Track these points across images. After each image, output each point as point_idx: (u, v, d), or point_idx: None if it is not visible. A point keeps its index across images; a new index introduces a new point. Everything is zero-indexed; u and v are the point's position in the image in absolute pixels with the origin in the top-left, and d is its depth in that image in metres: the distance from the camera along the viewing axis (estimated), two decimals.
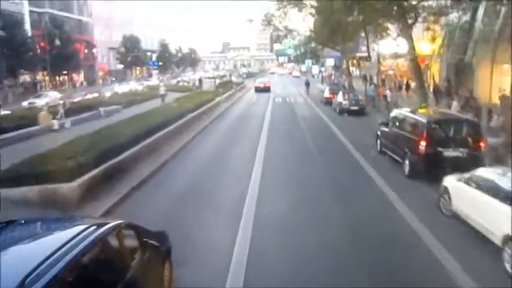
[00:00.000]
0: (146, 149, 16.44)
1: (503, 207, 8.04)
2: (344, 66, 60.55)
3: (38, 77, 60.31)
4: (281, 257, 8.72)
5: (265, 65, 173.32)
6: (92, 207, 10.68)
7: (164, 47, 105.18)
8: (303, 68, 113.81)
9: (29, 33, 53.53)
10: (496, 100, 26.10)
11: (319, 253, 8.74)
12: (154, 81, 67.65)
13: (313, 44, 76.06)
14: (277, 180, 14.35)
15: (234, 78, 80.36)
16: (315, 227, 10.08)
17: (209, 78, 77.08)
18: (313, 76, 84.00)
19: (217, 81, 65.08)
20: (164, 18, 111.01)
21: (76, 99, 34.79)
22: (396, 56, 46.06)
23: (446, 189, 10.47)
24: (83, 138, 15.60)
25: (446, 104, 30.78)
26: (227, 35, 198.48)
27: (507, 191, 8.27)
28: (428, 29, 32.05)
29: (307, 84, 54.19)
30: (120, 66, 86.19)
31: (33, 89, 55.24)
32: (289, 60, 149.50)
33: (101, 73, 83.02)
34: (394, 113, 16.74)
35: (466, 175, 9.94)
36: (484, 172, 9.43)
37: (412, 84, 43.90)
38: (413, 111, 15.36)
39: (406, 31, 26.69)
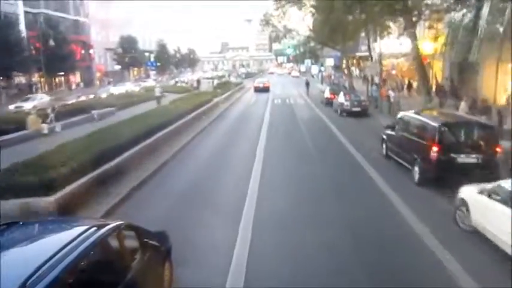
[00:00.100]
0: (137, 156, 15.43)
1: None
2: (344, 66, 59.88)
3: (33, 79, 59.36)
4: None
5: (264, 65, 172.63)
6: None
7: (162, 47, 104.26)
8: (302, 68, 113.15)
9: (24, 34, 52.50)
10: (502, 101, 25.13)
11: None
12: (150, 82, 66.50)
13: (312, 44, 75.26)
14: (277, 190, 13.30)
15: (232, 79, 79.47)
16: (318, 247, 9.02)
17: (207, 78, 76.01)
18: (312, 76, 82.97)
19: (216, 81, 64.22)
20: (163, 18, 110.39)
21: (69, 102, 33.80)
22: (397, 55, 45.39)
23: (464, 202, 9.49)
24: (71, 143, 14.69)
25: (451, 104, 29.96)
26: (226, 35, 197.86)
27: None
28: (431, 27, 31.15)
29: (307, 84, 53.37)
30: (118, 67, 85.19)
31: (28, 91, 54.24)
32: (288, 60, 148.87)
33: (98, 74, 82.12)
34: (401, 115, 15.70)
35: (487, 186, 8.95)
36: (508, 184, 8.41)
37: (414, 84, 43.59)
38: (420, 113, 14.35)
39: (409, 29, 25.75)
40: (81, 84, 71.83)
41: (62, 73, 62.11)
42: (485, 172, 11.27)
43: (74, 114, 26.98)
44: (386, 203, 11.59)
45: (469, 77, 33.58)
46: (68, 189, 10.84)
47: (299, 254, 8.67)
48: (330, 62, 78.74)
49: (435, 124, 12.45)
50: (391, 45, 42.65)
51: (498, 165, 11.93)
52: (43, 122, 22.93)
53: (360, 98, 30.78)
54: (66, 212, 9.96)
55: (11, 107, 36.12)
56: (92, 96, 45.46)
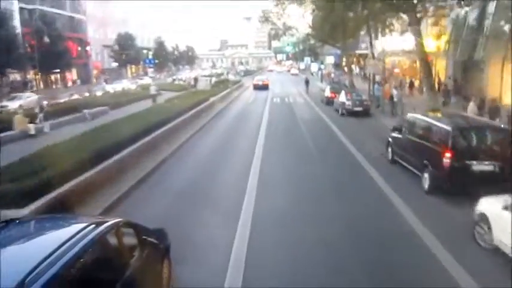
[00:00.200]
0: (123, 161, 14.28)
1: None
2: (344, 64, 59.04)
3: (28, 76, 58.26)
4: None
5: (263, 62, 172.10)
6: None
7: (160, 44, 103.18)
8: (302, 65, 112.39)
9: (19, 31, 51.35)
10: (508, 100, 24.14)
11: None
12: (146, 79, 65.45)
13: (312, 41, 74.40)
14: (276, 199, 12.27)
15: (231, 77, 78.47)
16: (320, 266, 8.11)
17: (205, 76, 74.98)
18: (312, 74, 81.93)
19: (214, 79, 63.34)
20: (162, 17, 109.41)
21: (61, 100, 32.71)
22: (398, 53, 44.40)
23: (483, 217, 8.50)
24: (57, 146, 13.79)
25: (455, 103, 29.04)
26: (225, 32, 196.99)
27: None
28: (436, 24, 30.20)
29: (307, 82, 52.38)
30: (115, 65, 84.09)
31: (22, 88, 53.27)
32: (288, 58, 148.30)
33: (95, 71, 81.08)
34: (409, 117, 14.67)
35: (510, 200, 7.94)
36: None
37: (416, 83, 42.67)
38: (430, 115, 13.37)
39: (414, 26, 24.74)
40: (78, 82, 70.77)
41: (58, 70, 60.76)
42: (503, 180, 10.25)
43: (65, 113, 25.97)
44: (394, 213, 10.64)
45: (473, 75, 32.71)
46: (47, 198, 9.83)
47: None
48: (330, 59, 77.82)
49: (448, 128, 11.40)
50: (392, 43, 41.78)
51: None
52: (31, 122, 21.89)
53: (362, 97, 29.78)
54: None
55: None
56: (86, 94, 44.50)
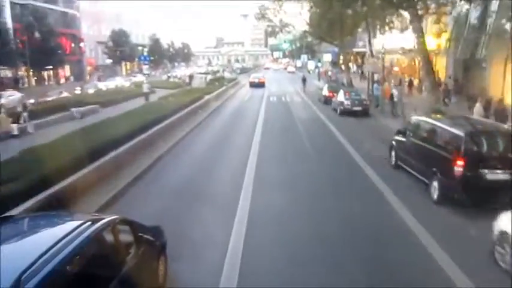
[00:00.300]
0: (111, 165, 13.35)
1: None
2: (341, 62, 58.19)
3: (20, 73, 57.04)
4: None
5: (260, 60, 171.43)
6: None
7: (155, 41, 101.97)
8: (298, 63, 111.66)
9: (10, 26, 50.17)
10: (509, 101, 23.28)
11: None
12: (140, 77, 64.37)
13: (309, 39, 73.56)
14: (272, 209, 11.24)
15: (227, 74, 77.47)
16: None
17: (201, 74, 73.98)
18: (308, 72, 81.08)
19: (209, 77, 62.40)
20: (158, 14, 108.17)
21: (49, 98, 31.63)
22: (396, 51, 43.52)
23: (505, 235, 7.55)
24: (39, 149, 12.77)
25: (455, 103, 28.20)
26: (221, 30, 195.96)
27: None
28: (437, 22, 29.28)
29: (304, 80, 51.38)
30: (109, 61, 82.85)
31: (13, 85, 52.15)
32: (284, 56, 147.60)
33: (89, 68, 79.91)
34: (414, 119, 13.71)
35: None
36: None
37: (415, 82, 41.81)
38: (438, 118, 12.41)
39: (415, 24, 23.84)
40: (71, 79, 69.51)
41: (50, 67, 59.43)
42: None
43: (52, 112, 24.92)
44: (402, 227, 9.70)
45: (474, 75, 31.91)
46: (20, 209, 8.82)
47: None
48: (327, 57, 76.91)
49: (460, 133, 10.41)
50: (390, 41, 40.85)
51: None
52: (14, 121, 20.83)
53: (361, 96, 28.84)
54: None
55: None
56: (79, 91, 43.50)
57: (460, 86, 32.38)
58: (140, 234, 6.32)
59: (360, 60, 68.55)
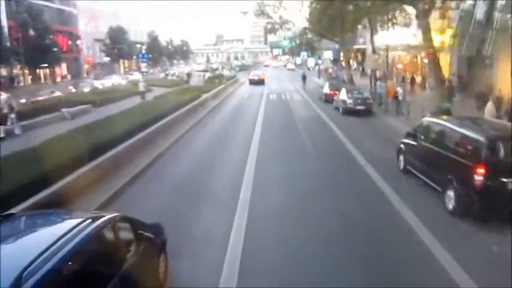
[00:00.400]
0: (96, 173, 12.29)
1: None
2: (342, 59, 57.41)
3: (15, 71, 55.99)
4: None
5: (259, 57, 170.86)
6: None
7: (154, 39, 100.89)
8: (298, 60, 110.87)
9: (4, 23, 49.10)
10: None
11: None
12: (136, 75, 63.38)
13: (309, 36, 72.65)
14: (270, 222, 10.28)
15: (226, 72, 76.59)
16: None
17: (199, 71, 73.06)
18: (309, 69, 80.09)
19: (207, 75, 61.52)
20: (156, 11, 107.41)
21: (40, 98, 30.61)
22: (397, 47, 42.55)
23: None
24: (22, 154, 11.99)
25: (460, 102, 27.18)
26: (221, 27, 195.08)
27: None
28: (443, 17, 28.32)
29: (304, 78, 50.56)
30: (107, 59, 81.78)
31: (8, 84, 51.17)
32: (284, 53, 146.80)
33: (86, 66, 78.89)
34: (425, 121, 12.66)
35: None
36: None
37: (418, 79, 40.83)
38: (455, 121, 11.34)
39: (421, 19, 22.84)
40: (68, 77, 68.41)
41: (45, 65, 58.29)
42: None
43: (42, 112, 23.91)
44: (413, 239, 8.79)
45: (480, 72, 30.95)
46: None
47: None
48: (327, 54, 75.90)
49: (480, 138, 9.36)
50: (391, 37, 39.91)
51: None
52: (0, 123, 19.84)
53: (363, 94, 27.79)
54: None
55: None
56: (73, 90, 42.51)
57: (465, 84, 31.39)
58: (140, 231, 6.32)
59: (360, 57, 67.71)
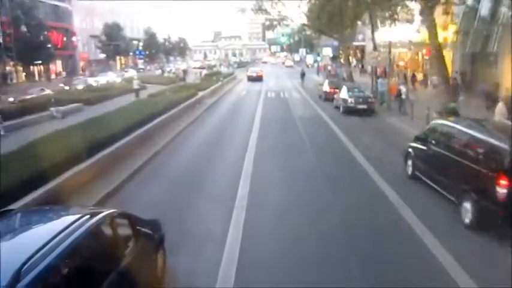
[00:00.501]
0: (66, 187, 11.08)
1: None
2: (342, 56, 56.48)
3: (8, 68, 54.90)
4: None
5: (257, 54, 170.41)
6: None
7: (151, 35, 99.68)
8: (297, 57, 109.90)
9: None
10: None
11: None
12: (131, 72, 62.43)
13: (308, 32, 71.70)
14: (267, 238, 9.35)
15: (223, 69, 75.64)
16: None
17: (196, 68, 72.12)
18: (307, 66, 79.18)
19: (204, 72, 60.69)
20: (153, 6, 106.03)
21: (28, 96, 29.56)
22: (397, 44, 41.54)
23: None
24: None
25: (463, 101, 26.20)
26: (219, 23, 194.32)
27: None
28: (446, 12, 27.38)
29: (303, 75, 49.86)
30: (103, 56, 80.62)
31: (1, 81, 50.23)
32: (282, 50, 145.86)
33: (82, 63, 77.74)
34: (437, 124, 11.62)
35: None
36: None
37: (419, 76, 39.88)
38: (471, 124, 10.33)
39: (426, 15, 21.89)
40: (63, 74, 67.29)
41: (39, 62, 57.15)
42: None
43: (30, 111, 22.89)
44: (427, 257, 7.85)
45: (484, 69, 30.03)
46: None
47: None
48: (327, 51, 74.84)
49: (504, 145, 8.31)
50: (391, 34, 38.89)
51: None
52: None
53: (365, 93, 26.80)
54: None
55: None
56: (66, 88, 41.51)
57: (469, 82, 30.45)
58: (138, 227, 6.30)
59: (359, 55, 66.81)
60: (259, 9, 48.15)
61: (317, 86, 38.64)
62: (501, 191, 8.01)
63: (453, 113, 18.42)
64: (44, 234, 4.48)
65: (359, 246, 8.42)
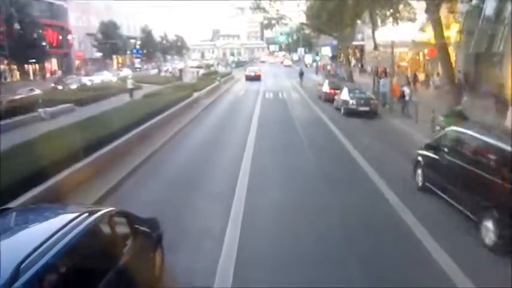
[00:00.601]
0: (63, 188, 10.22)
1: None
2: (341, 55, 55.79)
3: (2, 66, 53.84)
4: None
5: (256, 53, 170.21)
6: None
7: (148, 33, 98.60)
8: (295, 56, 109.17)
9: None
10: None
11: None
12: (126, 71, 61.49)
13: (307, 31, 70.95)
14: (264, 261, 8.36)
15: (221, 68, 74.75)
16: None
17: (193, 68, 71.20)
18: (306, 66, 78.25)
19: (201, 72, 59.86)
20: (151, 4, 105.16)
21: (18, 96, 28.54)
22: (396, 44, 40.63)
23: None
24: None
25: (466, 102, 25.31)
26: (217, 22, 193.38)
27: None
28: (452, 11, 26.47)
29: (301, 75, 49.15)
30: (99, 55, 79.54)
31: None
32: (281, 49, 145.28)
33: (78, 62, 76.69)
34: (450, 131, 10.57)
35: None
36: None
37: (420, 77, 38.95)
38: (491, 133, 9.36)
39: (431, 13, 20.99)
40: (59, 73, 66.16)
41: (33, 60, 56.01)
42: None
43: (17, 113, 21.86)
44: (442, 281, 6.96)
45: (488, 70, 29.09)
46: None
47: None
48: (326, 51, 74.04)
49: None
50: (392, 33, 38.05)
51: None
52: None
53: (367, 94, 25.84)
54: None
55: None
56: (59, 87, 40.51)
57: (472, 83, 29.52)
58: (137, 226, 6.29)
59: (358, 54, 65.98)
60: (257, 8, 47.37)
61: (316, 86, 37.74)
62: None
63: (460, 116, 17.54)
64: (42, 233, 4.49)
65: (367, 274, 7.43)
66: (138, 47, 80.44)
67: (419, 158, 11.45)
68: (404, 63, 45.67)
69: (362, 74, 53.62)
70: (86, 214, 5.08)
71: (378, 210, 10.34)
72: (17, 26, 45.92)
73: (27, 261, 3.86)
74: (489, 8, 28.37)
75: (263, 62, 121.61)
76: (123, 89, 35.08)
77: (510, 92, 22.39)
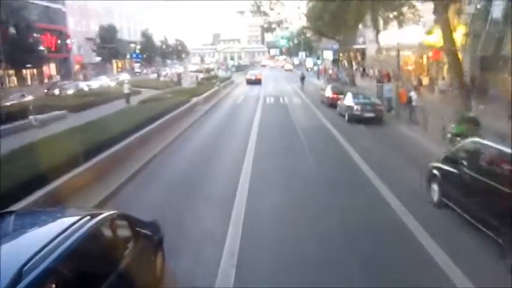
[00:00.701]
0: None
1: None
2: (342, 59, 55.17)
3: None
4: None
5: (256, 57, 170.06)
6: None
7: (148, 38, 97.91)
8: (296, 60, 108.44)
9: None
10: None
11: None
12: (124, 76, 60.73)
13: (308, 35, 70.25)
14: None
15: (221, 72, 73.88)
16: None
17: (193, 72, 70.56)
18: (307, 70, 77.41)
19: (201, 76, 59.28)
20: (150, 7, 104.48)
21: (9, 103, 27.67)
22: (400, 47, 39.79)
23: None
24: None
25: (477, 107, 24.39)
26: (218, 26, 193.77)
27: None
28: (460, 13, 25.63)
29: (303, 79, 48.29)
30: (99, 59, 78.74)
31: None
32: (281, 53, 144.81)
33: (77, 66, 75.89)
34: (470, 143, 9.60)
35: None
36: None
37: (424, 81, 38.05)
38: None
39: (439, 14, 20.08)
40: (57, 78, 65.30)
41: (30, 65, 55.11)
42: None
43: (7, 120, 20.98)
44: None
45: (495, 74, 28.22)
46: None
47: None
48: (327, 54, 73.24)
49: None
50: (395, 36, 37.18)
51: None
52: None
53: (372, 99, 24.85)
54: None
55: None
56: (56, 92, 39.68)
57: (479, 87, 28.59)
58: (138, 229, 6.33)
59: (360, 58, 65.17)
60: (258, 11, 46.56)
61: (318, 90, 36.87)
62: None
63: (473, 122, 16.64)
64: (44, 236, 4.50)
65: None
66: (137, 51, 79.62)
67: (435, 172, 10.43)
68: (411, 67, 44.67)
69: (364, 78, 52.84)
70: (88, 217, 5.11)
71: (391, 230, 9.36)
72: (12, 30, 45.01)
73: (29, 264, 3.88)
74: (496, 11, 27.56)
75: (264, 66, 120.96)
76: (120, 94, 34.19)
77: None
